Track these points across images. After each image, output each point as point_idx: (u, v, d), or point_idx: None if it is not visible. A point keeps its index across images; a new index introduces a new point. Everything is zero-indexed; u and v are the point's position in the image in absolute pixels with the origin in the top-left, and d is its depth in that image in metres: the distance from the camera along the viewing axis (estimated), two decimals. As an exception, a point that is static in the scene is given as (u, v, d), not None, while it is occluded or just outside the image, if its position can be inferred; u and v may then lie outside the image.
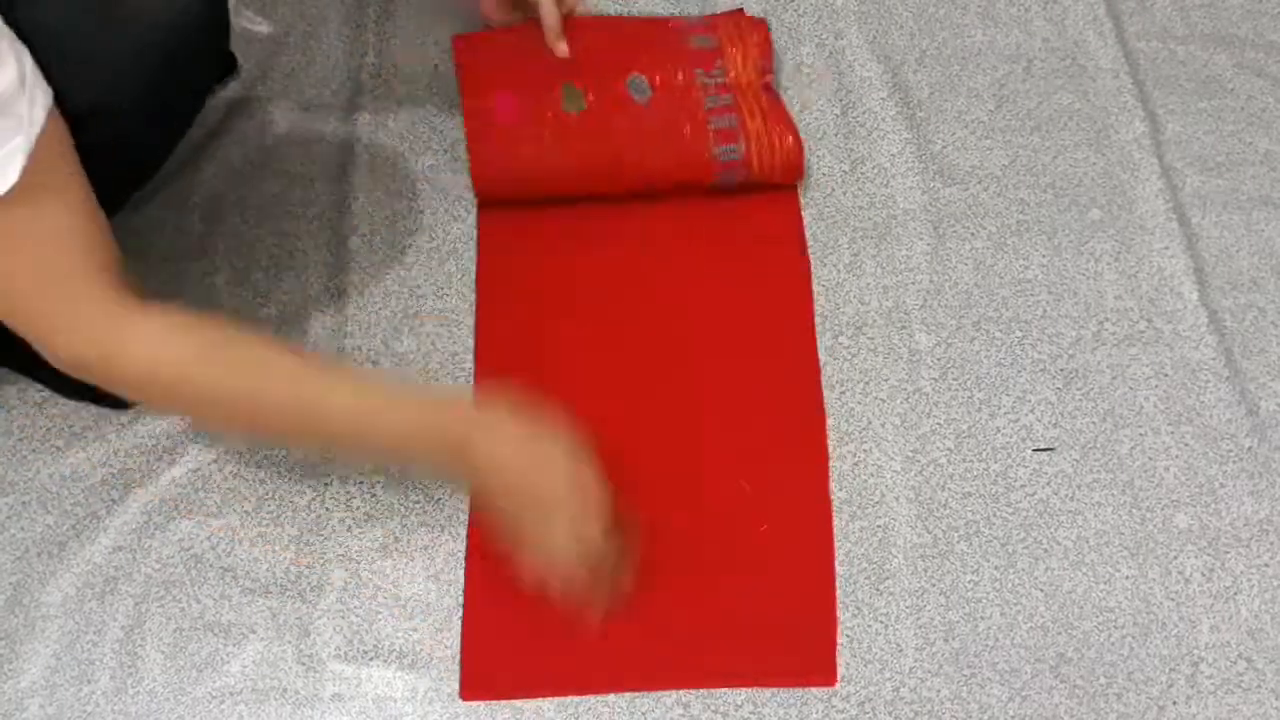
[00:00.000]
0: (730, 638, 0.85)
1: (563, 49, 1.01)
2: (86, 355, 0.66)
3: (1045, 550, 0.90)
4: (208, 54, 0.76)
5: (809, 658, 0.85)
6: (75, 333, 0.65)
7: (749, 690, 0.84)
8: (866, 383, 0.95)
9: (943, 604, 0.87)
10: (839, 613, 0.87)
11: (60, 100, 0.62)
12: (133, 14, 0.67)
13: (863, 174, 1.05)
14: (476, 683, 0.83)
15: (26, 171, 0.58)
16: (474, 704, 0.83)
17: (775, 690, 0.84)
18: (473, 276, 0.99)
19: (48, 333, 0.66)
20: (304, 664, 0.84)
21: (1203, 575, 0.89)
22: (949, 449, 0.93)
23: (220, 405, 0.71)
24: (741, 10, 1.11)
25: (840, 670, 0.85)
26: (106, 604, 0.85)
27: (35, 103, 0.60)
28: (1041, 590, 0.88)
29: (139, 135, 0.73)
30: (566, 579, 0.77)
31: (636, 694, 0.83)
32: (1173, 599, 0.88)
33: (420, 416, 0.73)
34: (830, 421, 0.94)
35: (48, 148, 0.60)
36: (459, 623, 0.85)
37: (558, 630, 0.83)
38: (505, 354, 0.95)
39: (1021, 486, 0.92)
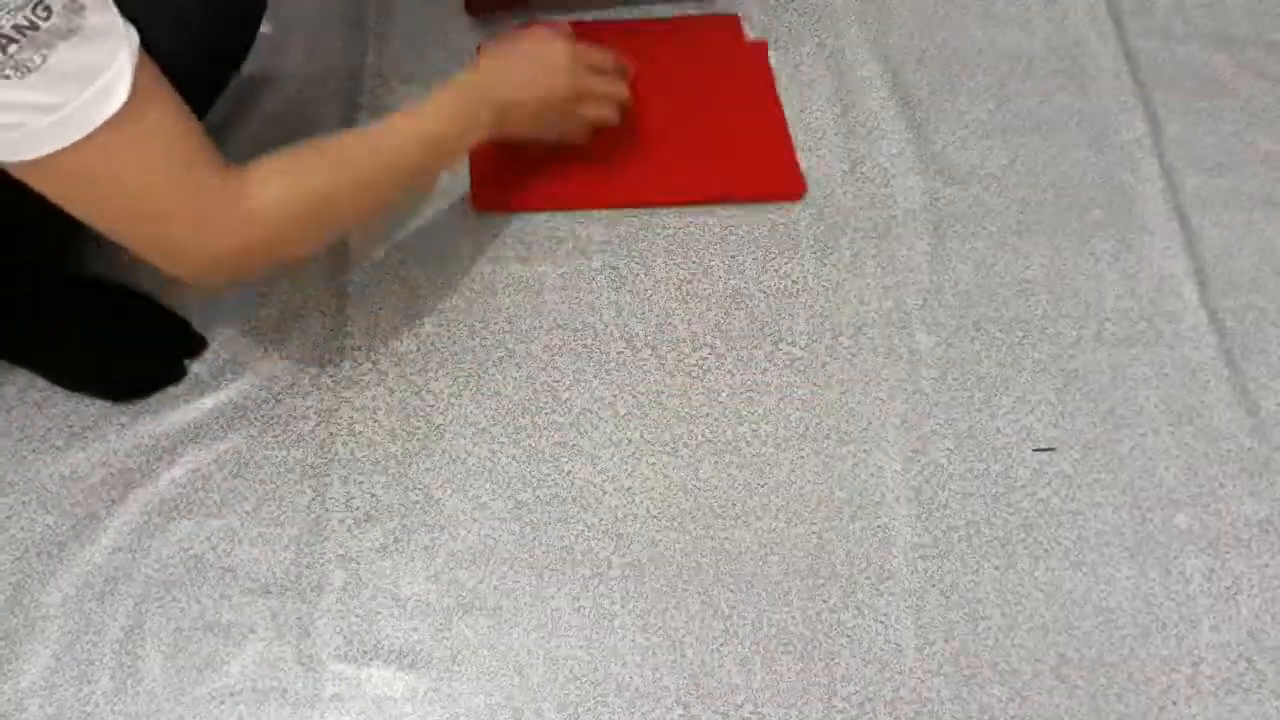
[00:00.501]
0: (703, 160, 1.05)
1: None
2: (230, 245, 0.71)
3: (1045, 550, 0.90)
4: (244, 24, 0.84)
5: (774, 174, 1.04)
6: (219, 224, 0.70)
7: (747, 691, 0.84)
8: (866, 383, 0.95)
9: (943, 604, 0.87)
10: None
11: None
12: None
13: (863, 174, 1.05)
14: (486, 196, 1.01)
15: (135, 83, 0.61)
16: (473, 705, 0.83)
17: (775, 690, 0.84)
18: (472, 277, 0.99)
19: (193, 234, 0.69)
20: (304, 664, 0.84)
21: (1203, 576, 0.89)
22: (949, 449, 0.93)
23: (340, 199, 0.79)
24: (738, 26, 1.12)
25: (840, 671, 0.85)
26: (106, 604, 0.85)
27: (125, 23, 0.62)
28: (1042, 590, 0.88)
29: (203, 40, 0.78)
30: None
31: (636, 695, 0.83)
32: (1173, 599, 0.88)
33: (453, 95, 0.87)
34: (830, 421, 0.94)
35: (144, 61, 0.63)
36: (459, 622, 0.86)
37: (554, 155, 1.01)
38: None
39: (1022, 487, 0.92)
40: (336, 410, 0.93)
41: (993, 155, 1.07)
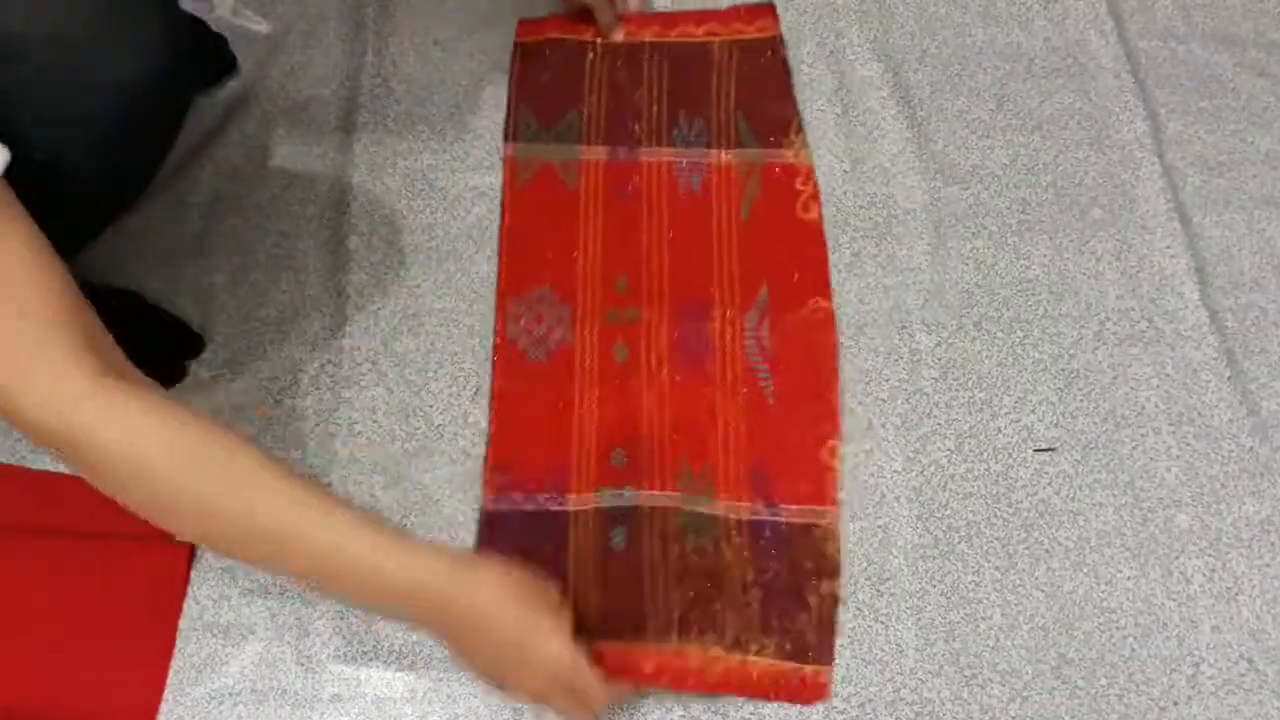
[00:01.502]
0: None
1: (618, 35, 1.08)
2: (50, 425, 0.59)
3: (1046, 551, 0.89)
4: (168, 115, 0.74)
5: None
6: (37, 395, 0.58)
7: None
8: (867, 383, 0.95)
9: (943, 604, 0.87)
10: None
11: (13, 153, 0.59)
12: (90, 76, 0.65)
13: (863, 174, 1.05)
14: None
15: None
16: (473, 705, 0.83)
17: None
18: (472, 276, 0.99)
19: (6, 393, 0.59)
20: (303, 665, 0.84)
21: (1204, 576, 0.89)
22: (950, 449, 0.93)
23: (201, 518, 0.65)
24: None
25: (840, 671, 0.85)
26: (105, 604, 0.85)
27: None
28: (1042, 591, 0.88)
29: (94, 188, 0.71)
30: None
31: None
32: (1174, 599, 0.88)
33: (415, 575, 0.69)
34: (831, 421, 0.94)
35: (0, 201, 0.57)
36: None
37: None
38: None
39: (1022, 487, 0.92)
40: (336, 410, 0.93)
41: (993, 154, 1.07)
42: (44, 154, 0.62)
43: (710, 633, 0.84)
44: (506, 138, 1.05)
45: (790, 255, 1.00)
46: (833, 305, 0.98)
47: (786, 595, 0.86)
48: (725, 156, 1.04)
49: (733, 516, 0.89)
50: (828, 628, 0.86)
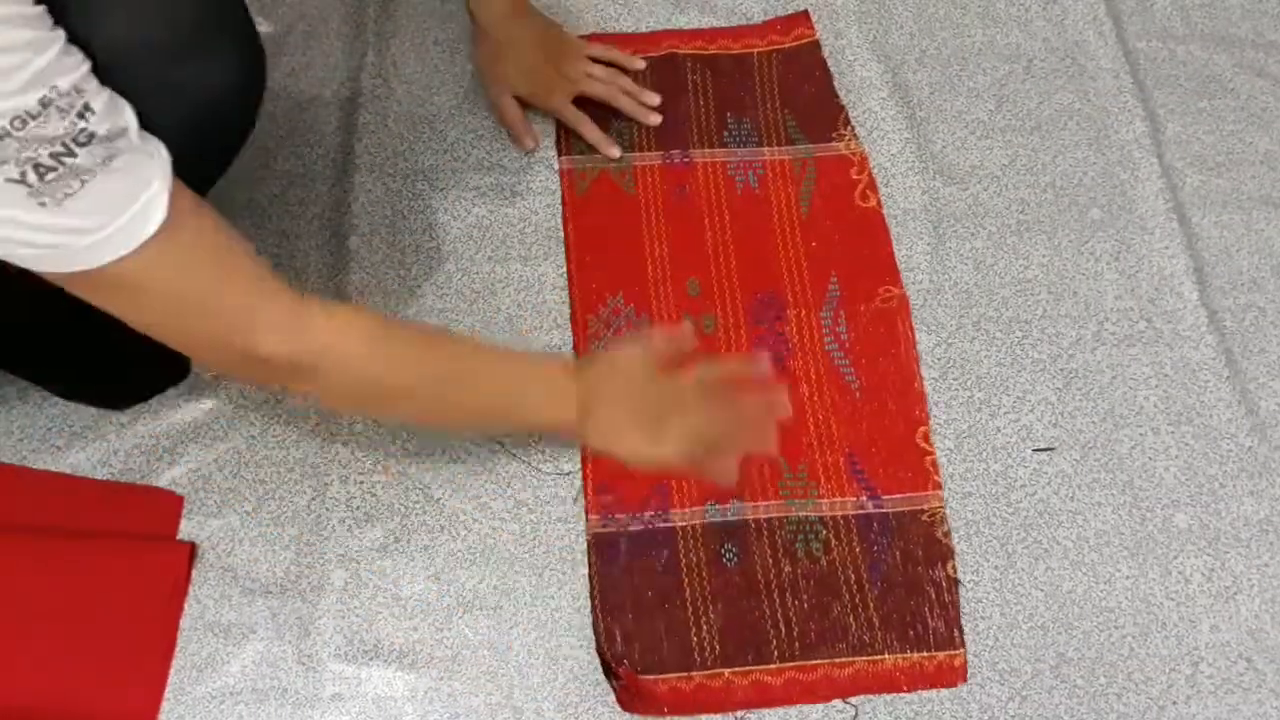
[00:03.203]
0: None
1: (655, 119, 1.05)
2: (278, 352, 0.68)
3: (1045, 550, 0.90)
4: (246, 117, 0.80)
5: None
6: (265, 331, 0.67)
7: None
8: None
9: (943, 604, 0.87)
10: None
11: None
12: (186, 84, 0.69)
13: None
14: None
15: (172, 202, 0.61)
16: (473, 705, 0.83)
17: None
18: (472, 277, 0.99)
19: (236, 333, 0.67)
20: (304, 664, 0.84)
21: (1203, 575, 0.89)
22: (949, 449, 0.93)
23: (399, 392, 0.75)
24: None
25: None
26: (106, 604, 0.85)
27: (155, 142, 0.62)
28: (1041, 590, 0.88)
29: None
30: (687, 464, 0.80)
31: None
32: (1173, 599, 0.88)
33: (547, 369, 0.81)
34: (830, 421, 0.94)
35: (177, 180, 0.62)
36: (459, 622, 0.86)
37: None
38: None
39: (1021, 486, 0.92)
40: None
41: (992, 155, 1.07)
42: None
43: (835, 642, 0.85)
44: (560, 152, 1.04)
45: (855, 244, 1.01)
46: (904, 289, 0.98)
47: (905, 586, 0.87)
48: (778, 153, 1.04)
49: (839, 514, 0.89)
50: (952, 611, 0.86)
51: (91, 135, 0.57)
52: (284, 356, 0.68)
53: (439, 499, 0.90)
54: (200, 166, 0.73)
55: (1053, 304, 1.00)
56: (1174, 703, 0.85)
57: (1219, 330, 0.99)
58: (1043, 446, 0.94)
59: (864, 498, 0.90)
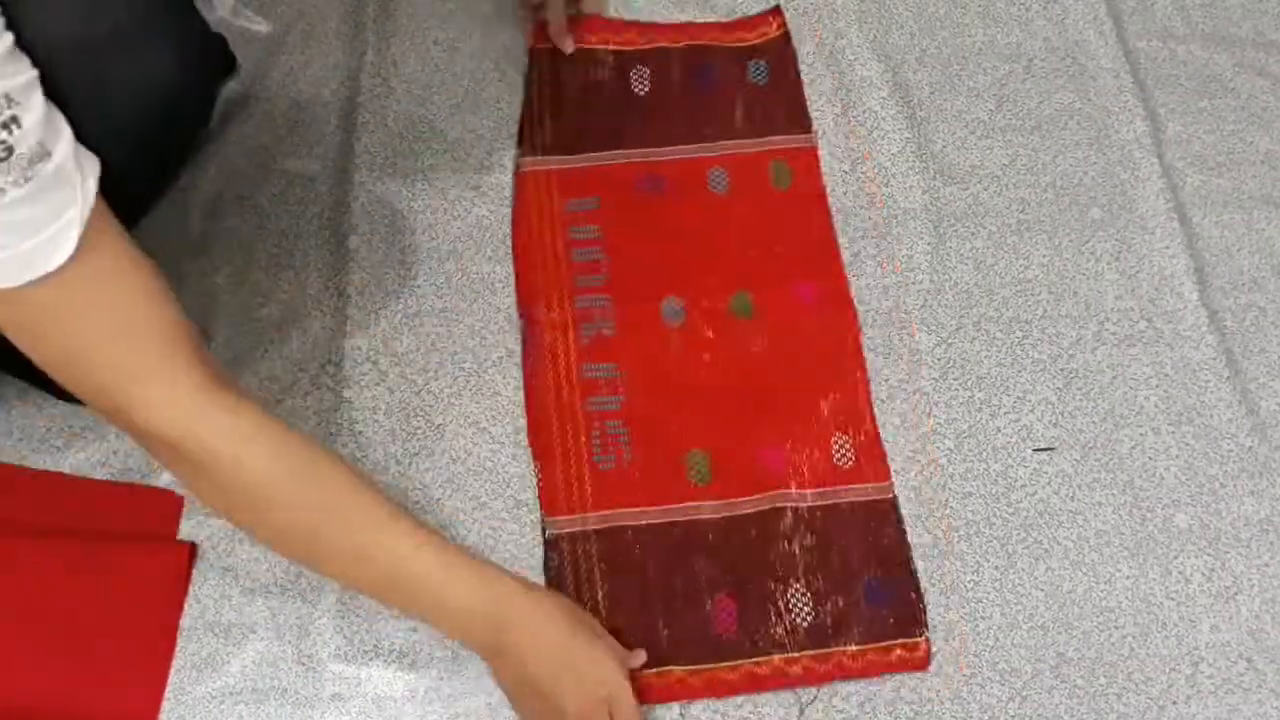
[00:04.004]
0: None
1: (568, 45, 1.07)
2: (166, 432, 0.64)
3: (1045, 550, 0.90)
4: (198, 112, 0.77)
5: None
6: (149, 405, 0.63)
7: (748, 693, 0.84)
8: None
9: (943, 604, 0.87)
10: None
11: None
12: (133, 75, 0.66)
13: (863, 174, 1.05)
14: None
15: (84, 239, 0.58)
16: (473, 705, 0.83)
17: (775, 691, 0.84)
18: (472, 276, 0.99)
19: (118, 393, 0.63)
20: (304, 664, 0.84)
21: (1203, 575, 0.89)
22: (949, 449, 0.93)
23: (292, 527, 0.71)
24: None
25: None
26: (106, 604, 0.85)
27: (87, 173, 0.59)
28: (1041, 590, 0.88)
29: (126, 186, 0.68)
30: None
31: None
32: (1173, 599, 0.88)
33: (482, 596, 0.74)
34: (830, 421, 0.94)
35: (99, 215, 0.59)
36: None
37: None
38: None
39: (1022, 486, 0.92)
40: (336, 410, 0.93)
41: (992, 154, 1.07)
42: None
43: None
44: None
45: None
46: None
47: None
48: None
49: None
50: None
51: (10, 150, 0.54)
52: (164, 437, 0.64)
53: (439, 499, 0.90)
54: (145, 169, 0.71)
55: (1053, 304, 1.00)
56: (1174, 703, 0.85)
57: (1219, 330, 0.99)
58: (1043, 446, 0.94)
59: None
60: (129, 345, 0.63)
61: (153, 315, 0.63)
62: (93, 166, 0.60)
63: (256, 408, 0.68)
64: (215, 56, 0.76)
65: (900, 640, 0.85)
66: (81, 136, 0.60)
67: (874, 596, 0.86)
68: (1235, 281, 1.01)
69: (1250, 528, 0.91)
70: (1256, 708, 0.85)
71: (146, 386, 0.63)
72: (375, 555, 0.72)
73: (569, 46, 1.07)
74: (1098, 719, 0.84)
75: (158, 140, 0.72)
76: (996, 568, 0.89)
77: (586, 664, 0.76)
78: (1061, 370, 0.97)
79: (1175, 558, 0.90)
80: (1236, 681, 0.86)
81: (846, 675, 0.84)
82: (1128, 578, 0.89)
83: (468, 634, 0.76)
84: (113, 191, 0.62)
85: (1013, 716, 0.84)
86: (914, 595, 0.87)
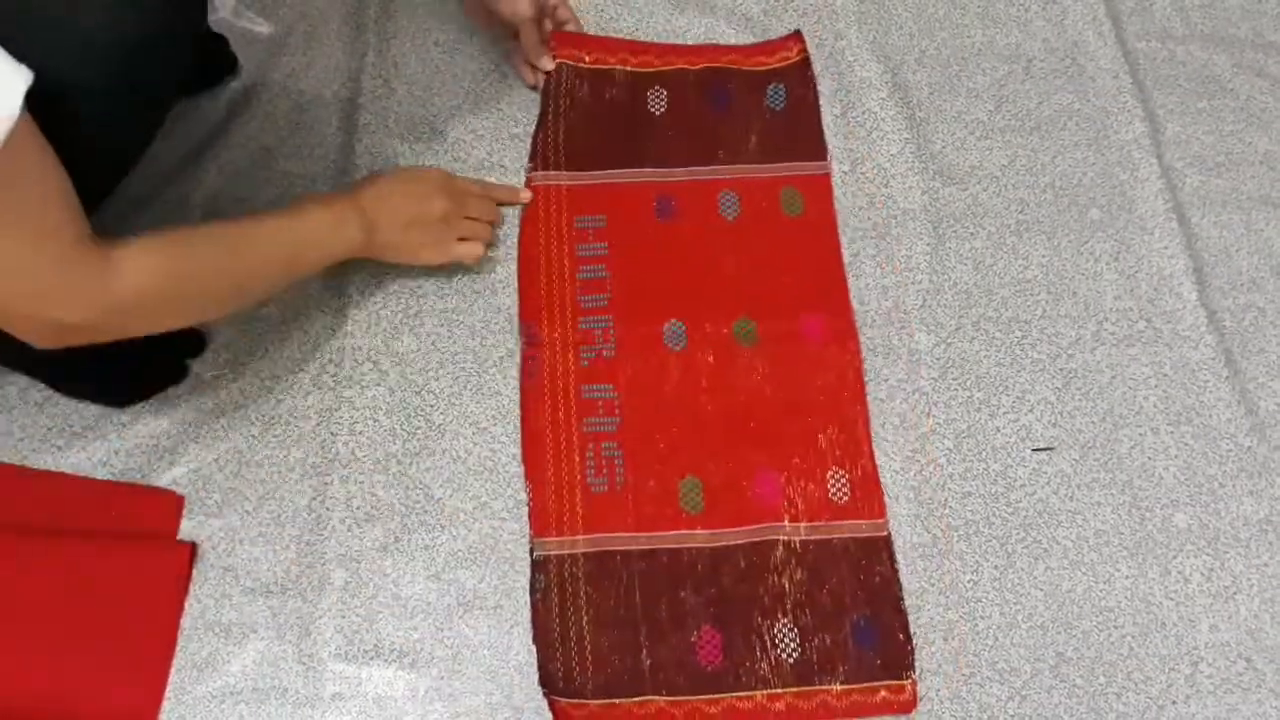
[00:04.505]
0: None
1: (547, 63, 1.06)
2: (87, 318, 0.69)
3: (1045, 550, 0.90)
4: (176, 43, 0.75)
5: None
6: (75, 302, 0.68)
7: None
8: (866, 382, 0.96)
9: (942, 603, 0.87)
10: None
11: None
12: (74, 27, 0.65)
13: (862, 174, 1.05)
14: None
15: (13, 137, 0.59)
16: (473, 704, 0.83)
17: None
18: (472, 276, 0.99)
19: (48, 300, 0.67)
20: (304, 663, 0.84)
21: (1202, 575, 0.89)
22: (948, 448, 0.93)
23: (208, 290, 0.78)
24: None
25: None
26: (107, 603, 0.85)
27: (8, 88, 0.59)
28: (1041, 590, 0.88)
29: (109, 119, 0.72)
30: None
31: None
32: (1172, 598, 0.88)
33: (323, 201, 0.88)
34: (830, 421, 0.94)
35: (21, 132, 0.60)
36: (459, 621, 0.86)
37: None
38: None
39: (1021, 486, 0.92)
40: (336, 410, 0.93)
41: (992, 155, 1.07)
42: (59, 72, 0.63)
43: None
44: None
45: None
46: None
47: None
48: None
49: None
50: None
51: None
52: (93, 321, 0.69)
53: (439, 499, 0.90)
54: (112, 131, 0.72)
55: (1052, 304, 1.00)
56: (1173, 702, 0.85)
57: (1218, 330, 0.99)
58: (1042, 446, 0.94)
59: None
60: (49, 253, 0.66)
61: (54, 221, 0.66)
62: (19, 82, 0.59)
63: (134, 246, 0.72)
64: (186, 16, 0.76)
65: (886, 682, 0.84)
66: (57, 53, 0.62)
67: (862, 636, 0.85)
68: (1234, 282, 1.02)
69: (1249, 527, 0.91)
70: (1255, 707, 0.85)
71: (72, 290, 0.67)
72: (259, 237, 0.82)
73: (549, 64, 1.05)
74: (1097, 718, 0.84)
75: (124, 100, 0.71)
76: (996, 567, 0.89)
77: (424, 174, 0.95)
78: (1060, 370, 0.97)
79: (1174, 557, 0.90)
80: (1235, 681, 0.86)
81: (831, 715, 0.83)
82: (1127, 577, 0.89)
83: (346, 238, 0.88)
84: (88, 123, 0.65)
85: (1012, 716, 0.84)
86: (902, 636, 0.86)
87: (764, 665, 0.84)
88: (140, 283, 0.71)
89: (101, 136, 0.71)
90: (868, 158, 1.06)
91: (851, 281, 1.00)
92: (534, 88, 1.06)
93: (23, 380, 0.92)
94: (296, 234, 0.85)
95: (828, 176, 1.04)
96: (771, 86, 1.08)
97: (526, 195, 0.99)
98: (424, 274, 0.99)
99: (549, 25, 1.07)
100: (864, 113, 1.08)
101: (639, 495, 0.90)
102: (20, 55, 0.60)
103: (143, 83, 0.71)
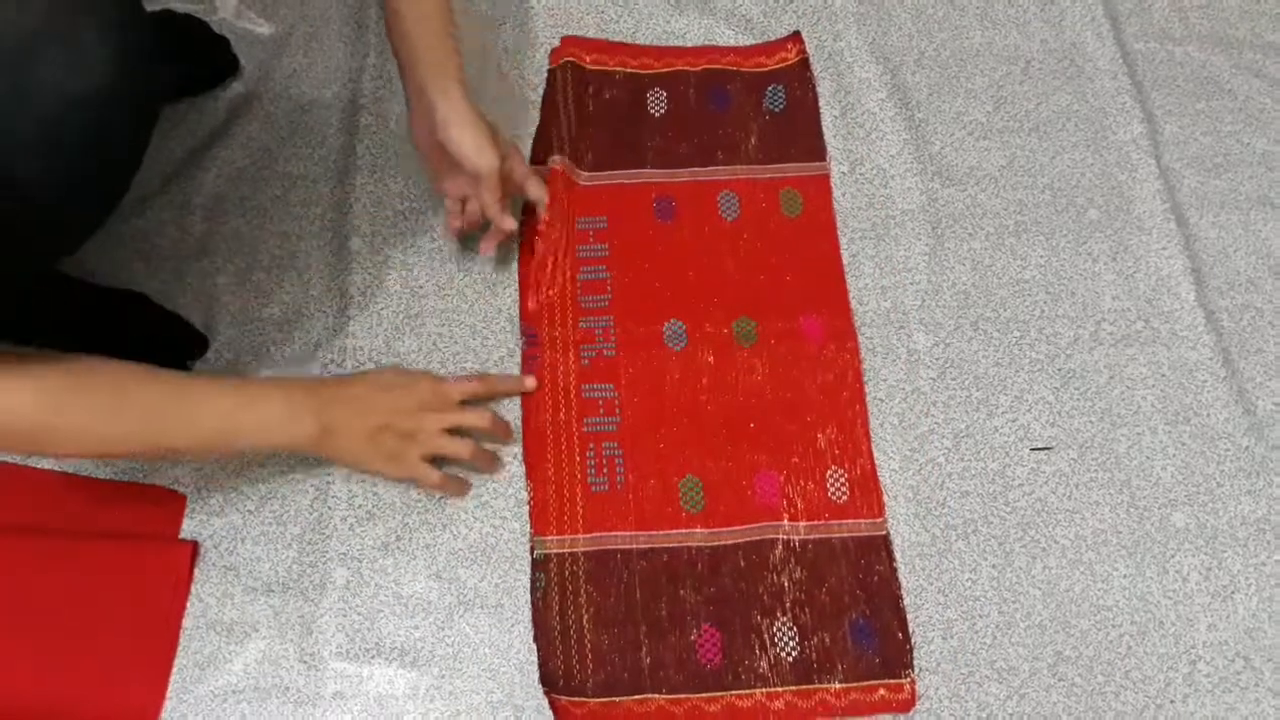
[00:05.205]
0: None
1: (509, 223, 0.93)
2: None
3: (1043, 549, 0.90)
4: (129, 128, 0.67)
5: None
6: None
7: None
8: (865, 382, 0.96)
9: (941, 603, 0.88)
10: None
11: None
12: (38, 85, 0.59)
13: (861, 174, 1.05)
14: None
15: None
16: (474, 703, 0.83)
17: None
18: (474, 277, 0.99)
19: None
20: (306, 662, 0.84)
21: (1200, 574, 0.89)
22: (947, 448, 0.94)
23: (83, 442, 0.73)
24: None
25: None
26: (109, 603, 0.85)
27: None
28: (1039, 589, 0.89)
29: (53, 205, 0.64)
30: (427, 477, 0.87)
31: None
32: (1170, 598, 0.89)
33: (287, 391, 0.82)
34: (829, 421, 0.94)
35: None
36: (460, 620, 0.86)
37: None
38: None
39: (1019, 486, 0.92)
40: (338, 410, 0.93)
41: (990, 156, 1.07)
42: None
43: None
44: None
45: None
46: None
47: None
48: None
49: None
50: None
51: None
52: None
53: (440, 499, 0.90)
54: (80, 180, 0.63)
55: (1050, 304, 1.00)
56: (1171, 701, 0.85)
57: (1216, 330, 0.99)
58: (1040, 446, 0.94)
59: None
60: None
61: None
62: None
63: (16, 369, 0.68)
64: (153, 65, 0.67)
65: (885, 681, 0.85)
66: None
67: (861, 635, 0.86)
68: (1232, 282, 1.02)
69: (1247, 527, 0.91)
70: (1253, 706, 0.85)
71: None
72: (190, 407, 0.76)
73: (511, 224, 0.93)
74: (1095, 718, 0.84)
75: (78, 154, 0.63)
76: (994, 566, 0.89)
77: (404, 379, 0.88)
78: (1059, 370, 0.97)
79: (1172, 557, 0.90)
80: (1233, 680, 0.86)
81: (829, 713, 0.84)
82: (1125, 577, 0.89)
83: (292, 434, 0.81)
84: (25, 217, 0.60)
85: (1010, 714, 0.84)
86: (901, 635, 0.86)
87: (763, 664, 0.84)
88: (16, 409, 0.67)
89: (36, 222, 0.63)
90: (867, 159, 1.06)
91: (850, 282, 1.00)
92: (455, 236, 0.98)
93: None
94: (237, 421, 0.78)
95: (827, 177, 1.05)
96: (771, 88, 1.08)
97: (531, 384, 0.93)
98: (425, 275, 0.99)
99: (516, 173, 0.94)
100: (863, 114, 1.08)
101: (639, 494, 0.90)
102: None
103: (86, 175, 0.63)
